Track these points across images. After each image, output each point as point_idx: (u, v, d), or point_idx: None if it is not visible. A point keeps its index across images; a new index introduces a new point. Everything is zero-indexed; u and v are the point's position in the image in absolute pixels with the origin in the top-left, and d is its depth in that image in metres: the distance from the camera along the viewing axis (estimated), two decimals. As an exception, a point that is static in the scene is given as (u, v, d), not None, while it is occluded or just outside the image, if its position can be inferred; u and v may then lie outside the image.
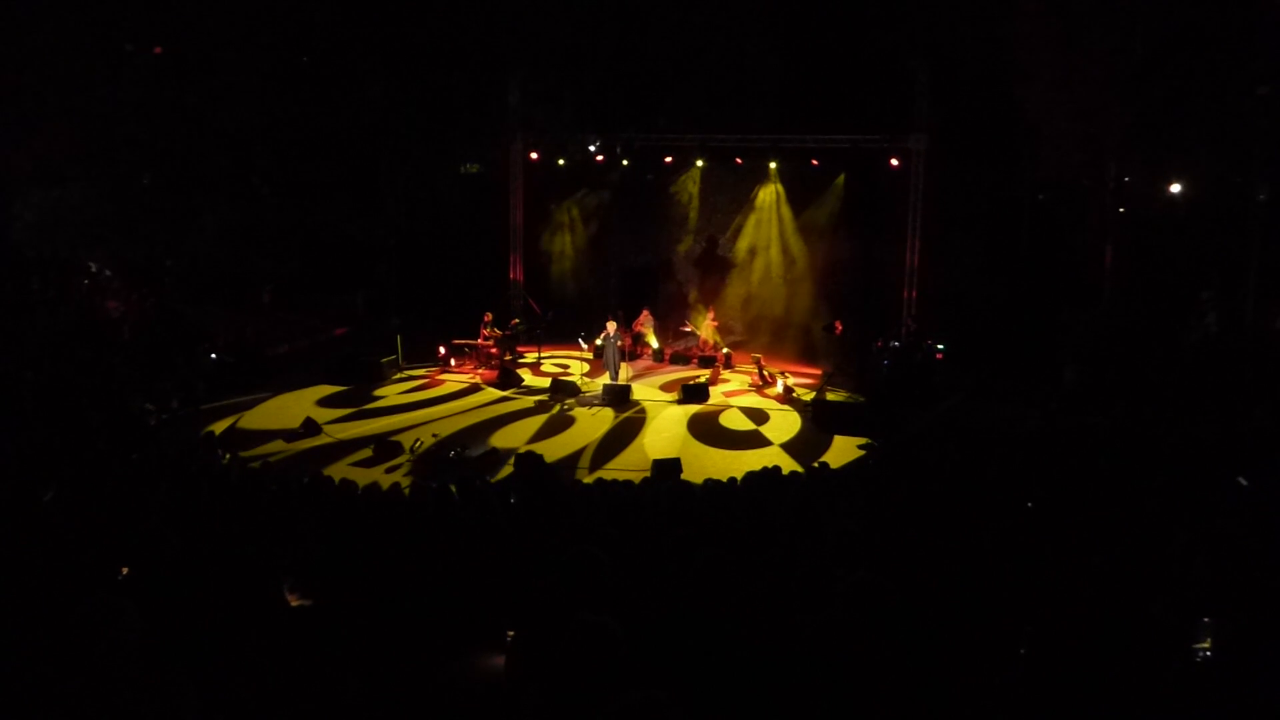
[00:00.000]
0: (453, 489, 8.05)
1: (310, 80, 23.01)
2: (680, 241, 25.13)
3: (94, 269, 19.91)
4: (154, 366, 16.98)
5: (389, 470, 13.15)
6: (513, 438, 15.12)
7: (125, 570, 4.77)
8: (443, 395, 18.09)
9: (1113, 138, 17.66)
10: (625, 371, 19.17)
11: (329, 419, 15.91)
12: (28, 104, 18.22)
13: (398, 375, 19.51)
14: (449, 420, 16.13)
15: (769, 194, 24.00)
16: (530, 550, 5.51)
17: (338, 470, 12.70)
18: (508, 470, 12.59)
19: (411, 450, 13.84)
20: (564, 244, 25.55)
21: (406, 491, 8.46)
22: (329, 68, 23.02)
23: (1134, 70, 16.69)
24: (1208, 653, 3.94)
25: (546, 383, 18.59)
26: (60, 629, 3.10)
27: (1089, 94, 17.04)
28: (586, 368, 19.20)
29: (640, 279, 24.90)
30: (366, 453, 13.95)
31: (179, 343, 18.51)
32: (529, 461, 12.70)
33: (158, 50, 21.09)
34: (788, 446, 14.99)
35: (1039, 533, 6.27)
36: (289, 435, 14.90)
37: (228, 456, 12.40)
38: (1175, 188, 17.50)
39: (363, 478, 11.04)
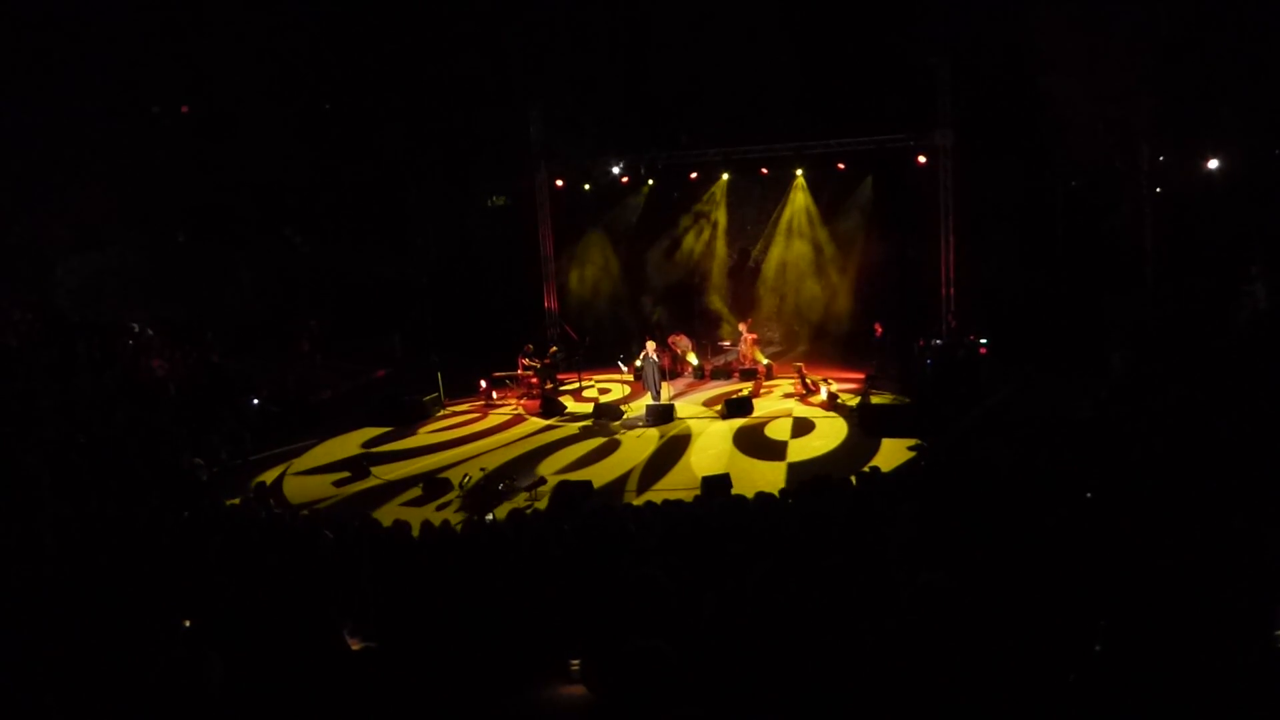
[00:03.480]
0: (494, 519, 8.06)
1: (333, 125, 23.41)
2: (711, 256, 25.14)
3: (136, 329, 20.30)
4: (201, 421, 17.24)
5: (439, 508, 13.22)
6: (560, 465, 15.16)
7: (187, 623, 4.84)
8: (487, 428, 18.19)
9: (1143, 118, 17.41)
10: (667, 391, 19.16)
11: (376, 461, 16.04)
12: (64, 171, 18.68)
13: (441, 412, 19.64)
14: (495, 453, 16.20)
15: (797, 202, 23.98)
16: (587, 577, 5.51)
17: (388, 511, 12.80)
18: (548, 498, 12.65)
19: (460, 486, 13.90)
20: (595, 268, 25.66)
21: (458, 528, 8.50)
22: (351, 112, 23.41)
23: (1161, 48, 16.46)
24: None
25: (589, 408, 18.63)
26: (144, 680, 3.14)
27: (1115, 76, 16.84)
28: (628, 390, 19.19)
29: (674, 297, 24.94)
30: (416, 492, 14.04)
31: (223, 396, 18.79)
32: (567, 490, 12.80)
33: (184, 109, 21.57)
34: (837, 454, 14.88)
35: (1102, 524, 6.16)
36: (339, 480, 15.05)
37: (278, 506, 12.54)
38: (1212, 164, 17.20)
39: (414, 517, 11.12)
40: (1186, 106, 16.75)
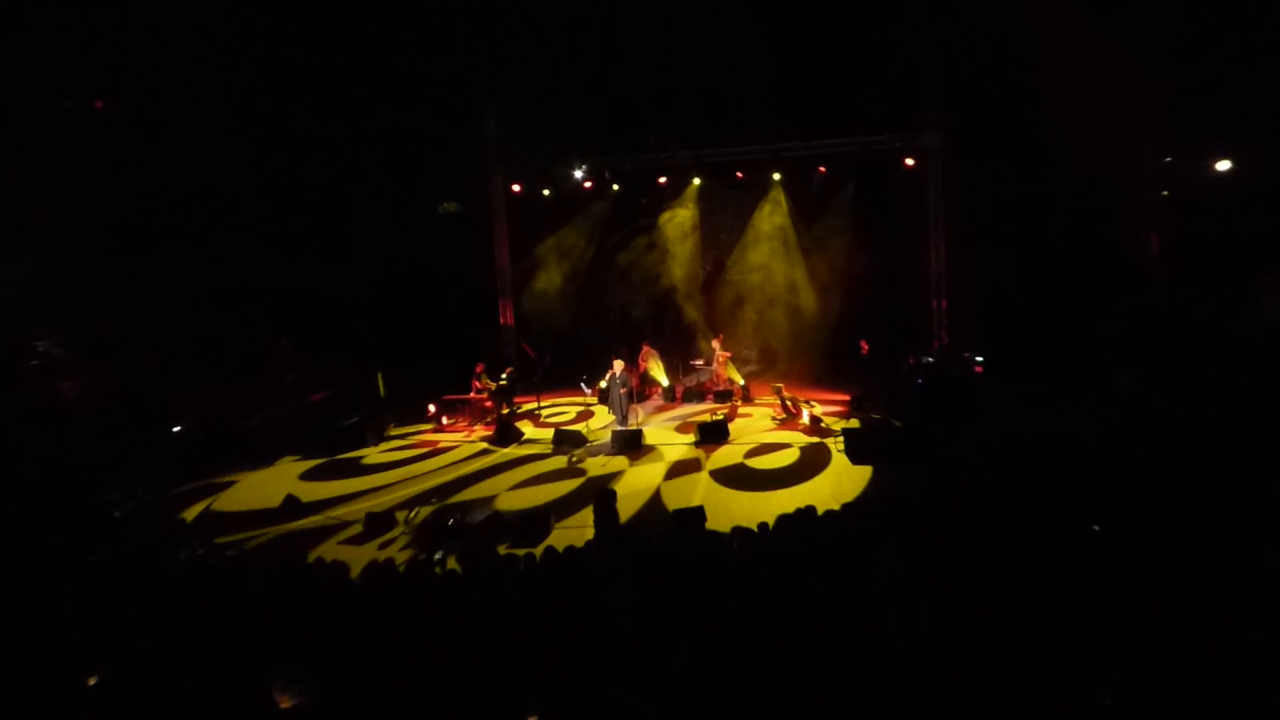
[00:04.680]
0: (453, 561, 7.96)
1: (267, 123, 23.21)
2: (682, 267, 25.18)
3: (42, 348, 19.93)
4: (115, 451, 16.91)
5: (382, 546, 13.02)
6: (517, 497, 15.01)
7: (92, 681, 4.68)
8: (436, 456, 18.01)
9: (1147, 117, 17.68)
10: (636, 414, 19.08)
11: (312, 494, 15.80)
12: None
13: (389, 432, 19.46)
14: (445, 485, 16.02)
15: (775, 208, 24.10)
16: (548, 622, 5.41)
17: (325, 550, 12.58)
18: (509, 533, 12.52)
19: (406, 522, 13.71)
20: (556, 280, 25.62)
21: (402, 568, 8.36)
22: (287, 109, 23.23)
23: (1166, 39, 16.71)
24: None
25: (549, 434, 18.54)
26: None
27: (1116, 72, 17.09)
28: (594, 418, 19.11)
29: (642, 312, 24.95)
30: (356, 528, 13.83)
31: (141, 423, 18.47)
32: (525, 524, 12.71)
33: (98, 105, 21.27)
34: (821, 482, 14.86)
35: (1110, 561, 6.16)
36: (269, 516, 14.80)
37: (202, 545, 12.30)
38: (1223, 165, 17.38)
39: (354, 556, 10.92)
40: (1194, 102, 17.00)
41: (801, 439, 17.58)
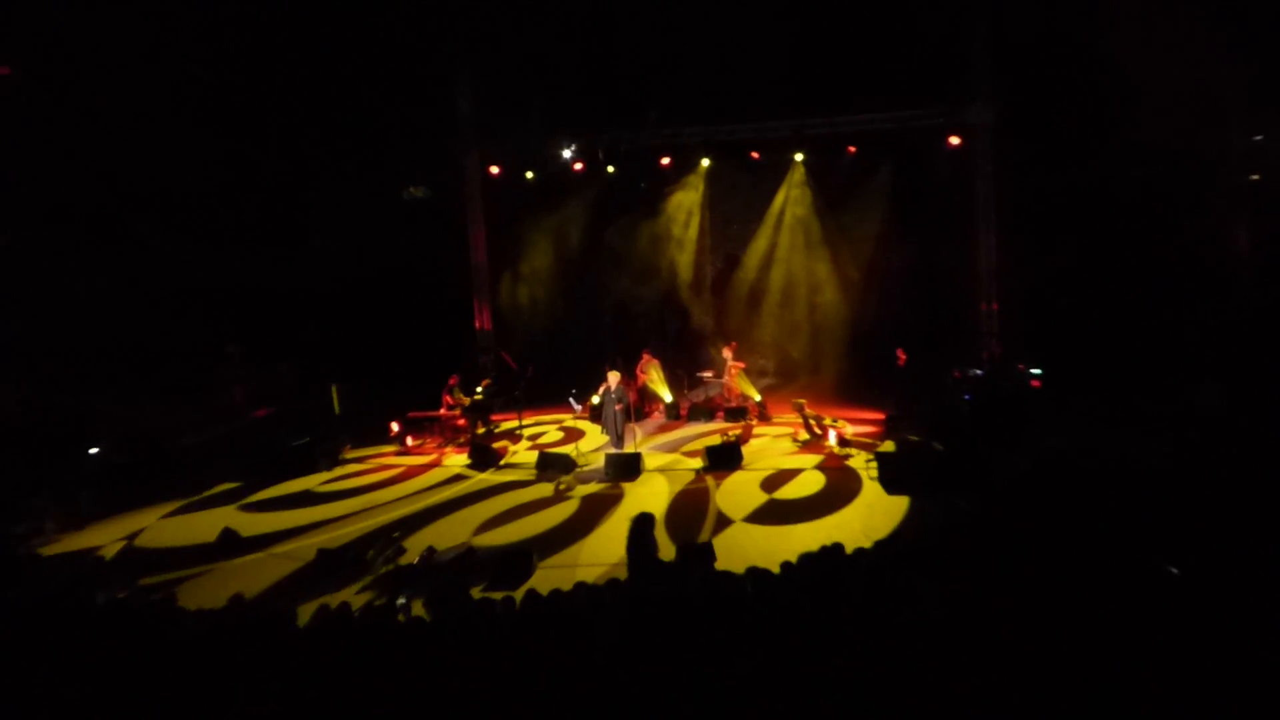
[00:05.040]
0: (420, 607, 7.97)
1: (207, 98, 23.22)
2: (688, 264, 25.21)
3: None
4: (22, 477, 16.91)
5: (334, 587, 13.01)
6: (495, 532, 15.01)
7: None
8: (399, 484, 18.00)
9: (1235, 87, 17.69)
10: (634, 435, 19.08)
11: (254, 526, 15.80)
12: None
13: (344, 455, 19.49)
14: (410, 516, 16.02)
15: (796, 195, 24.14)
16: (529, 678, 5.42)
17: (269, 594, 12.58)
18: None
19: (366, 560, 13.70)
20: (541, 279, 25.64)
21: (358, 614, 8.36)
22: (230, 81, 23.25)
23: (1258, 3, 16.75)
24: None
25: (532, 458, 18.53)
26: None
27: (1198, 33, 17.10)
28: (584, 438, 19.13)
29: (641, 315, 24.96)
30: (304, 566, 13.82)
31: (54, 444, 18.47)
32: (503, 562, 12.72)
33: (4, 71, 21.30)
34: (850, 515, 14.85)
35: (1191, 610, 6.16)
36: (203, 553, 14.78)
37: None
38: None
39: (302, 600, 10.92)
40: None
41: (827, 464, 17.58)
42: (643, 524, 11.04)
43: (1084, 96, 19.52)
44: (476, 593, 11.52)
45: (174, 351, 23.28)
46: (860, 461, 17.36)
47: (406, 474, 18.59)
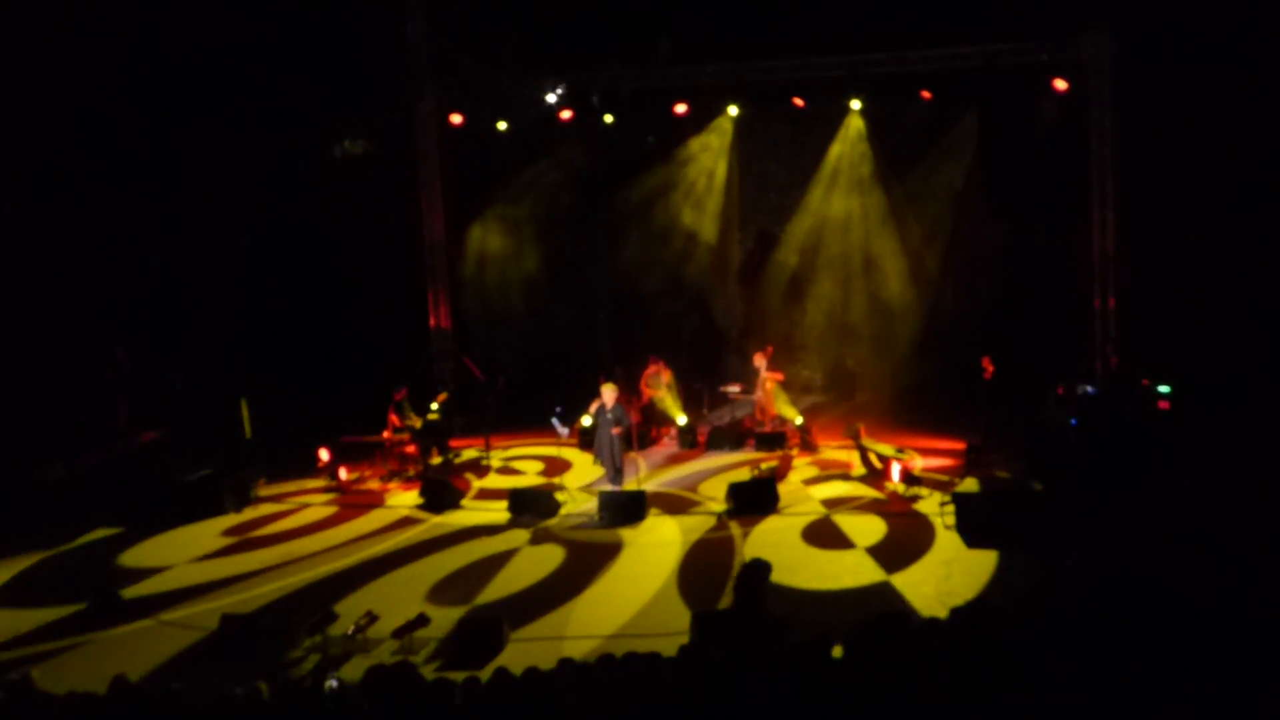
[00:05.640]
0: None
1: (73, 27, 23.15)
2: (710, 243, 25.24)
3: None
4: None
5: (243, 664, 13.02)
6: (457, 592, 15.02)
7: None
8: (329, 529, 18.03)
9: None
10: (636, 467, 19.09)
11: (136, 582, 15.82)
12: None
13: (256, 493, 19.51)
14: (342, 572, 16.03)
15: (852, 154, 24.15)
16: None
17: (158, 672, 12.58)
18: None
19: (286, 629, 13.72)
20: (516, 262, 25.67)
21: (273, 698, 8.35)
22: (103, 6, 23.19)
23: None
24: None
25: (503, 498, 18.55)
26: None
27: None
28: (571, 471, 19.16)
29: (647, 311, 24.96)
30: (208, 637, 13.83)
31: None
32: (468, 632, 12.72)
33: None
34: (918, 576, 14.85)
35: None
36: (71, 620, 14.78)
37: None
38: None
39: (200, 680, 10.89)
40: None
41: (890, 508, 17.58)
42: (755, 572, 11.10)
43: (1234, 31, 19.44)
44: (430, 672, 11.52)
45: (36, 357, 23.28)
46: (933, 505, 17.37)
47: (339, 517, 18.61)
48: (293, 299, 24.95)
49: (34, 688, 9.47)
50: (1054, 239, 21.98)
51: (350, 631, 13.29)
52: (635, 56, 22.84)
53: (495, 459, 21.28)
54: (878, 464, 19.05)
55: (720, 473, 19.76)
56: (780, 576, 14.97)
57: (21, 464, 20.55)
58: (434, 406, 21.58)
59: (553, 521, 17.67)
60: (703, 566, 15.62)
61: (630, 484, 18.45)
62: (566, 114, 23.65)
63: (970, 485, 17.46)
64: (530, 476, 20.35)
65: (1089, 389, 19.23)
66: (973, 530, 16.05)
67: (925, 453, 19.75)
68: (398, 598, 14.81)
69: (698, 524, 17.33)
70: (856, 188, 24.25)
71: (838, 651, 8.70)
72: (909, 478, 18.17)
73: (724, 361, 24.57)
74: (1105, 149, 21.00)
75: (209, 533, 18.10)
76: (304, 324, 24.63)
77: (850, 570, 15.20)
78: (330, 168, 26.26)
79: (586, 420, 19.35)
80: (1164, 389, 18.79)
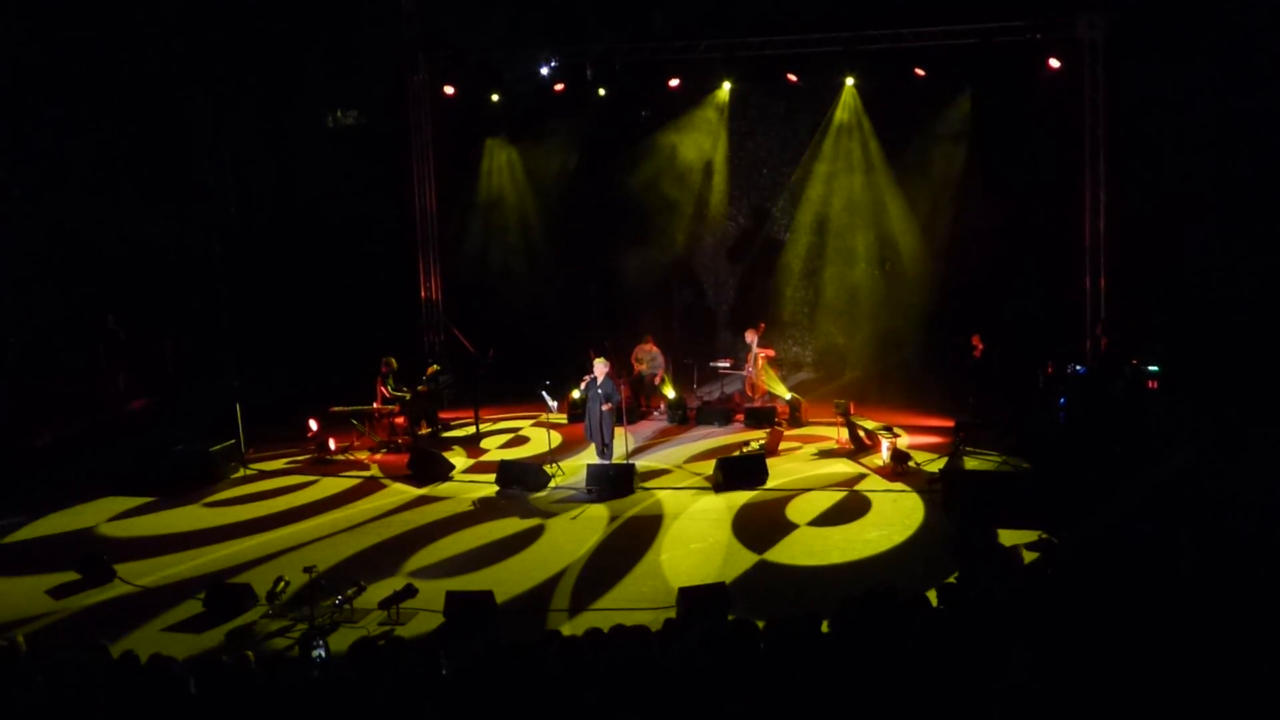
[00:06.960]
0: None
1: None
2: (702, 219, 25.21)
3: None
4: None
5: (231, 633, 13.03)
6: (438, 561, 15.03)
7: None
8: (318, 500, 18.02)
9: None
10: (625, 442, 19.12)
11: (126, 554, 15.80)
12: None
13: (239, 473, 19.46)
14: (331, 541, 16.03)
15: (846, 129, 24.11)
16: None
17: (145, 639, 12.59)
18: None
19: (270, 597, 13.72)
20: (509, 235, 25.64)
21: (261, 667, 8.36)
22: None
23: None
24: None
25: (492, 469, 18.55)
26: None
27: None
28: (558, 438, 19.18)
29: (639, 286, 24.94)
30: (195, 605, 13.83)
31: None
32: (457, 605, 12.73)
33: None
34: (903, 553, 14.89)
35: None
36: (62, 587, 14.77)
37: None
38: None
39: (187, 648, 10.92)
40: None
41: (878, 484, 17.62)
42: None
43: (1231, 8, 19.41)
44: (416, 643, 11.53)
45: (24, 323, 23.24)
46: (921, 482, 17.41)
47: (327, 487, 18.59)
48: (285, 270, 24.87)
49: (20, 653, 9.49)
50: (1045, 218, 21.95)
51: (337, 601, 13.32)
52: (629, 30, 22.78)
53: (485, 431, 21.30)
54: (866, 440, 19.08)
55: (711, 448, 19.81)
56: (772, 551, 15.09)
57: (11, 430, 20.53)
58: (424, 377, 21.56)
59: (541, 494, 17.71)
60: (690, 542, 15.65)
61: (619, 457, 18.48)
62: (559, 87, 23.59)
63: (958, 463, 17.46)
64: (519, 449, 20.42)
65: (1078, 368, 19.23)
66: (960, 508, 16.08)
67: (914, 430, 19.78)
68: (385, 568, 14.84)
69: (687, 499, 17.37)
70: (849, 165, 24.19)
71: (825, 627, 8.73)
72: (897, 455, 18.20)
73: (715, 336, 24.55)
74: (1099, 129, 20.97)
75: (194, 501, 18.13)
76: (295, 295, 24.56)
77: (838, 546, 15.22)
78: (322, 138, 26.19)
79: (576, 394, 19.37)
80: (1153, 369, 18.80)
